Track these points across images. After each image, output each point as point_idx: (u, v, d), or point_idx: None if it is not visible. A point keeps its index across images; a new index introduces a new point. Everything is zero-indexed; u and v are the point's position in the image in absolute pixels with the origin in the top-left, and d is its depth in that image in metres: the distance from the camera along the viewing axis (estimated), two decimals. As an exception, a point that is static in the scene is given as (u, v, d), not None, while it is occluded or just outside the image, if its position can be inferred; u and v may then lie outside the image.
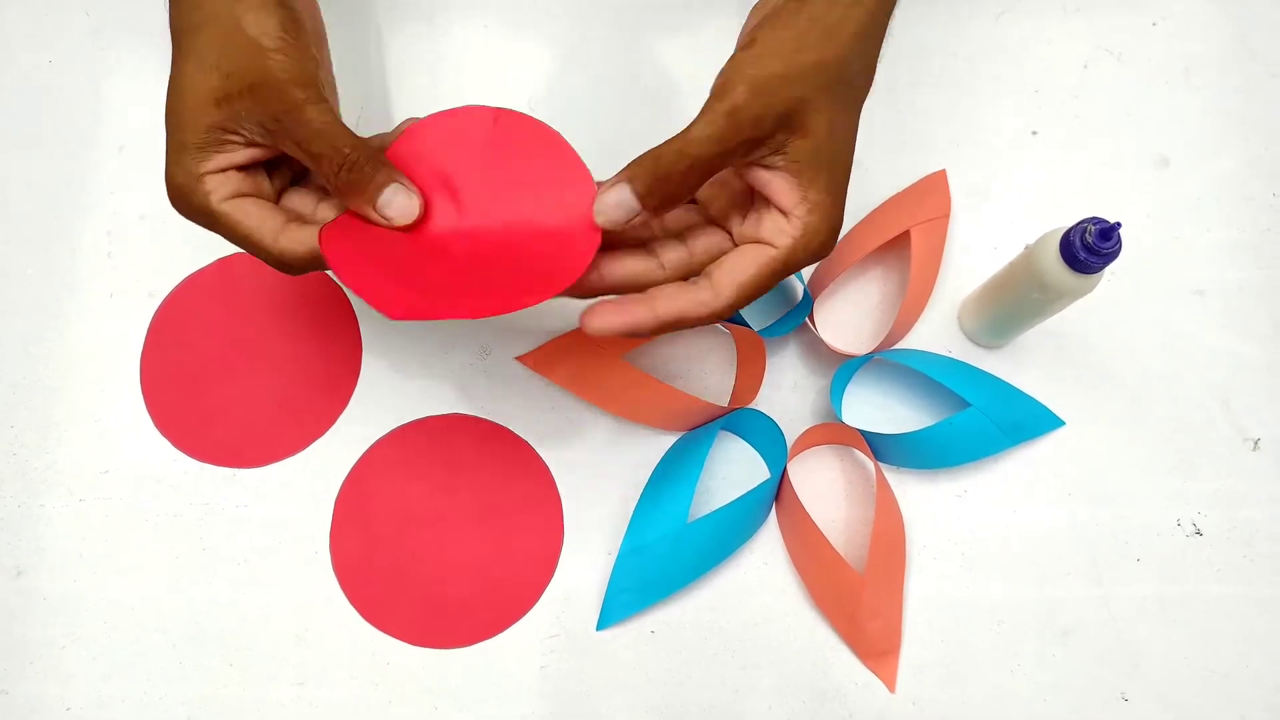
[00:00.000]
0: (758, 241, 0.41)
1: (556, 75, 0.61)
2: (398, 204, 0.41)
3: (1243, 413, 0.56)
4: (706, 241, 0.42)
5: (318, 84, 0.41)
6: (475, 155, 0.43)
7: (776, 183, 0.40)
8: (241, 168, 0.42)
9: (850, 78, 0.40)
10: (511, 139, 0.43)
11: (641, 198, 0.39)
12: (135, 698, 0.52)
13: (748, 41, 0.40)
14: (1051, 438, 0.56)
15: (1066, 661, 0.53)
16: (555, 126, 0.60)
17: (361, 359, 0.57)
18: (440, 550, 0.54)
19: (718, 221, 0.43)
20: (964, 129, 0.60)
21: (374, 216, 0.41)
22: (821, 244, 0.40)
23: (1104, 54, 0.61)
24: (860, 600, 0.51)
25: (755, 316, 0.57)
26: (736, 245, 0.42)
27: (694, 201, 0.44)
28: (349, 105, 0.60)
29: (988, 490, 0.55)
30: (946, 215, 0.57)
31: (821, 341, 0.55)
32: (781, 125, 0.38)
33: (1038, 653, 0.53)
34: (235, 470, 0.55)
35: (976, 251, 0.59)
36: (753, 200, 0.42)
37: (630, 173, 0.39)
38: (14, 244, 0.59)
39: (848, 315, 0.58)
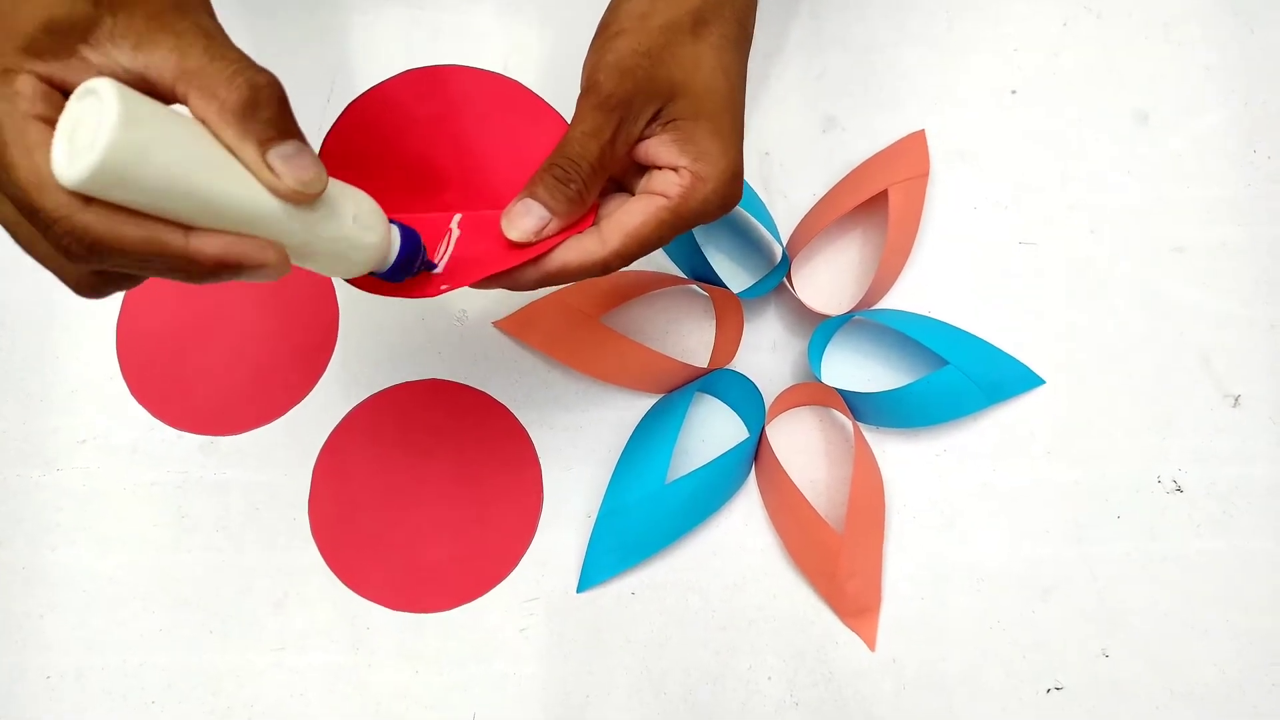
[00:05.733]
0: (649, 193, 0.40)
1: (534, 40, 0.61)
2: (299, 165, 0.32)
3: (1223, 369, 0.56)
4: (610, 205, 0.41)
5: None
6: (435, 119, 0.42)
7: (656, 148, 0.39)
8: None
9: (718, 22, 0.40)
10: (474, 93, 0.42)
11: (549, 206, 0.39)
12: (115, 666, 0.52)
13: (603, 24, 0.40)
14: (1031, 396, 0.56)
15: (1047, 619, 0.53)
16: (536, 90, 0.60)
17: (338, 325, 0.57)
18: (419, 515, 0.54)
19: (623, 185, 0.42)
20: (943, 88, 0.60)
21: (260, 169, 0.32)
22: (714, 190, 0.39)
23: (1083, 11, 0.61)
24: (839, 559, 0.51)
25: (733, 277, 0.57)
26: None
27: None
28: (319, 76, 0.60)
29: (967, 449, 0.55)
30: (925, 175, 0.57)
31: (800, 302, 0.55)
32: (653, 97, 0.38)
33: (1018, 610, 0.53)
34: (213, 438, 0.55)
35: (955, 211, 0.58)
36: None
37: (531, 187, 0.39)
38: (-13, 214, 0.58)
39: (826, 275, 0.58)
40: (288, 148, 0.32)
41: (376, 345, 0.56)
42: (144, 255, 0.30)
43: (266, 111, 0.31)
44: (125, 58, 0.31)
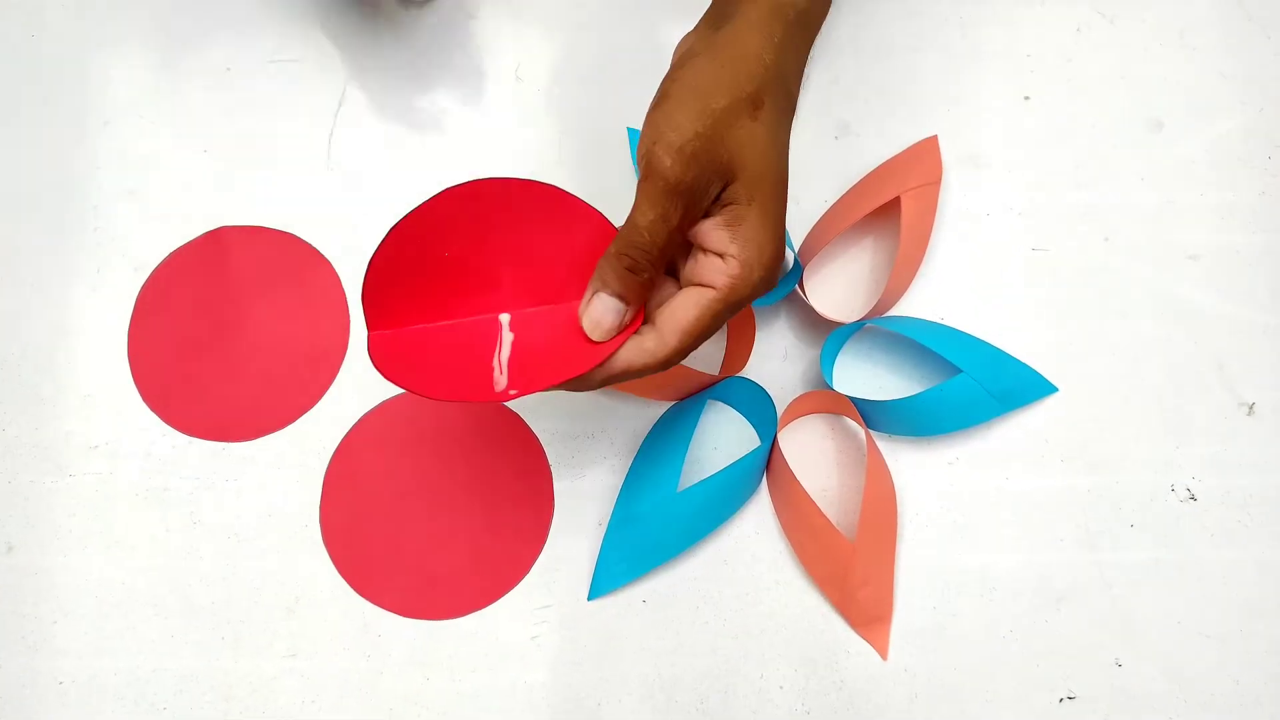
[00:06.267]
0: (699, 284, 0.40)
1: (543, 45, 0.61)
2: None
3: (1237, 377, 0.56)
4: (660, 295, 0.42)
5: None
6: (487, 233, 0.42)
7: (708, 231, 0.40)
8: None
9: (771, 98, 0.40)
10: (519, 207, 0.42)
11: (623, 297, 0.40)
12: (127, 671, 0.52)
13: (660, 97, 0.40)
14: (1044, 404, 0.56)
15: (1059, 628, 0.53)
16: (545, 99, 0.60)
17: (349, 331, 0.57)
18: (431, 522, 0.54)
19: (670, 269, 0.43)
20: (956, 94, 0.60)
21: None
22: (761, 278, 0.40)
23: (1097, 16, 0.61)
24: (851, 568, 0.51)
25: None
26: (682, 288, 0.41)
27: None
28: (331, 85, 0.60)
29: (980, 457, 0.55)
30: (938, 182, 0.57)
31: (812, 309, 0.55)
32: (714, 180, 0.39)
33: (1030, 619, 0.53)
34: (224, 444, 0.55)
35: (968, 218, 0.58)
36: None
37: (603, 279, 0.40)
38: (-1, 220, 0.59)
39: (838, 283, 0.57)
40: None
41: (388, 352, 0.56)
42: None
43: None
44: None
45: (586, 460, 0.55)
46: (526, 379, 0.40)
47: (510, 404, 0.55)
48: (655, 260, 0.39)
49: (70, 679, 0.52)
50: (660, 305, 0.41)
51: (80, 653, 0.53)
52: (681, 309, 0.40)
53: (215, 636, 0.53)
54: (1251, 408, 0.56)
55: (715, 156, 0.38)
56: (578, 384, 0.41)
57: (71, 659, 0.53)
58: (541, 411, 0.56)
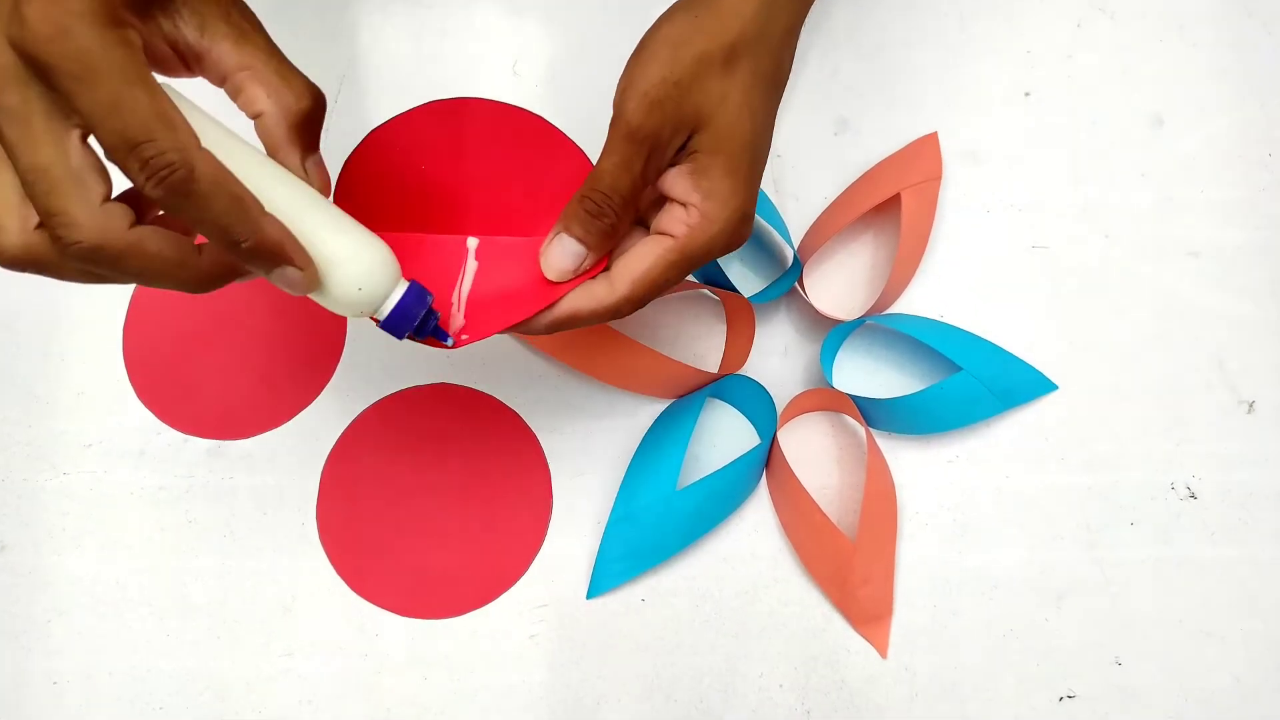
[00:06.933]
0: (659, 233, 0.40)
1: (542, 38, 0.60)
2: (320, 174, 0.37)
3: (1237, 375, 0.56)
4: (628, 242, 0.41)
5: None
6: (457, 151, 0.42)
7: (673, 179, 0.39)
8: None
9: (750, 57, 0.39)
10: (494, 128, 0.42)
11: (583, 241, 0.39)
12: (122, 670, 0.52)
13: (637, 49, 0.39)
14: (1043, 402, 0.55)
15: (1060, 626, 0.53)
16: (543, 92, 0.59)
17: (346, 329, 0.56)
18: (428, 520, 0.54)
19: (644, 219, 0.42)
20: (955, 90, 0.59)
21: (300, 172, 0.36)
22: (721, 230, 0.39)
23: (1097, 12, 0.60)
24: (851, 566, 0.51)
25: (744, 281, 0.56)
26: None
27: None
28: (328, 77, 0.59)
29: (979, 455, 0.55)
30: (938, 178, 0.57)
31: (811, 306, 0.54)
32: (680, 128, 0.38)
33: (1030, 618, 0.53)
34: (220, 442, 0.55)
35: (968, 215, 0.58)
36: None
37: (565, 222, 0.39)
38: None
39: (838, 280, 0.57)
40: (318, 157, 0.36)
41: (384, 349, 0.56)
42: (228, 211, 0.31)
43: (316, 125, 0.36)
44: (191, 36, 0.34)
45: (585, 457, 0.55)
46: (480, 322, 0.40)
47: (509, 402, 0.55)
48: (617, 207, 0.38)
49: (65, 679, 0.52)
50: (620, 254, 0.40)
51: (75, 652, 0.52)
52: (636, 257, 0.39)
53: (211, 635, 0.52)
54: (1251, 405, 0.55)
55: (681, 105, 0.37)
56: (524, 326, 0.40)
57: (66, 658, 0.52)
58: (540, 409, 0.55)
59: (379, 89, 0.60)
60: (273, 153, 0.35)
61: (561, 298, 0.40)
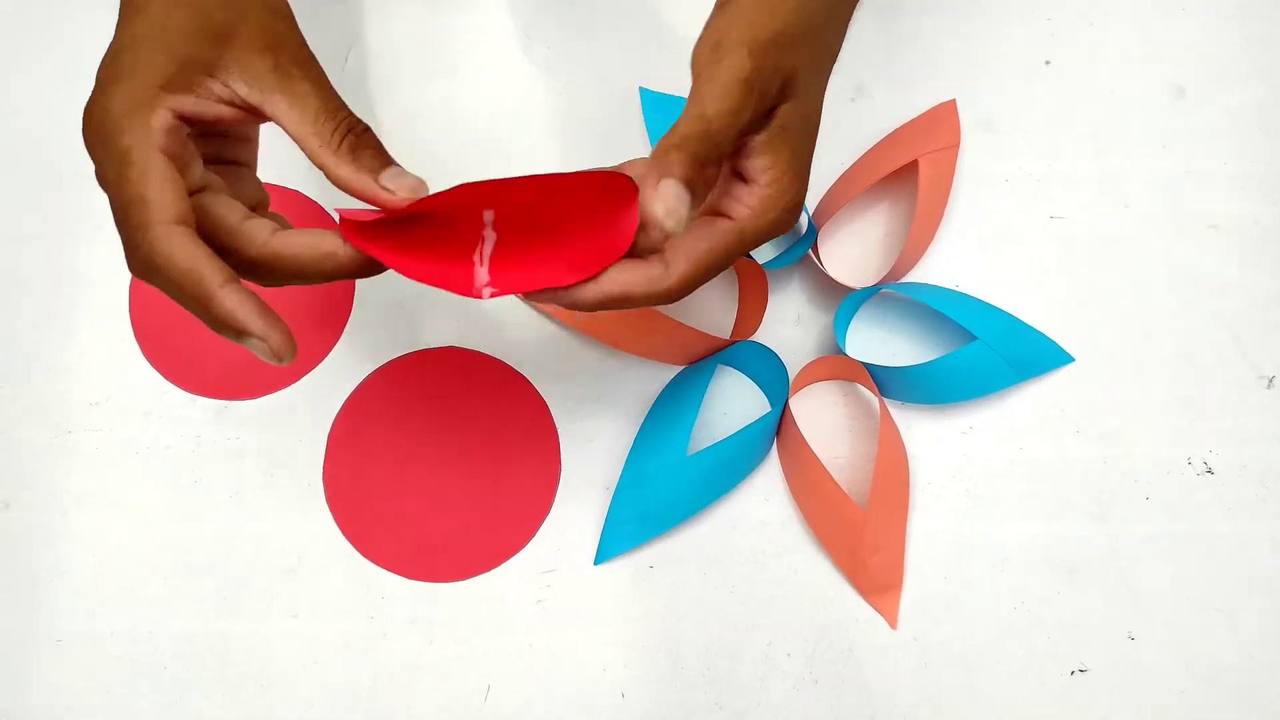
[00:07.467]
0: (716, 213, 0.38)
1: (555, 2, 0.60)
2: (407, 180, 0.36)
3: (1256, 349, 0.55)
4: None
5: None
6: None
7: (750, 149, 0.37)
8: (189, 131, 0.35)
9: (828, 42, 0.38)
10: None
11: (691, 185, 0.34)
12: (124, 631, 0.52)
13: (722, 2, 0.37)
14: (1059, 373, 0.55)
15: (1071, 600, 0.52)
16: (556, 56, 0.59)
17: (355, 291, 0.56)
18: (435, 483, 0.53)
19: None
20: (975, 58, 0.59)
21: (377, 192, 0.35)
22: (778, 218, 0.37)
23: (1120, -19, 0.60)
24: (862, 536, 0.50)
25: (758, 248, 0.55)
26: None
27: None
28: (336, 44, 0.59)
29: (994, 426, 0.54)
30: (956, 146, 0.56)
31: (826, 274, 0.54)
32: (780, 87, 0.36)
33: (1042, 591, 0.52)
34: (227, 402, 0.54)
35: (986, 183, 0.57)
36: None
37: (667, 168, 0.34)
38: (-2, 172, 0.57)
39: (853, 247, 0.56)
40: (395, 169, 0.36)
41: (393, 311, 0.55)
42: (179, 287, 0.33)
43: (371, 150, 0.36)
44: (244, 91, 0.35)
45: (594, 423, 0.54)
46: (509, 279, 0.37)
47: (518, 366, 0.55)
48: (719, 156, 0.35)
49: (68, 638, 0.52)
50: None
51: (78, 611, 0.52)
52: (693, 238, 0.37)
53: (216, 596, 0.52)
54: (1270, 380, 0.55)
55: (788, 66, 0.35)
56: (572, 301, 0.36)
57: (69, 618, 0.52)
58: (549, 373, 0.55)
59: (390, 56, 0.59)
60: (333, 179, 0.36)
61: (604, 273, 0.36)
